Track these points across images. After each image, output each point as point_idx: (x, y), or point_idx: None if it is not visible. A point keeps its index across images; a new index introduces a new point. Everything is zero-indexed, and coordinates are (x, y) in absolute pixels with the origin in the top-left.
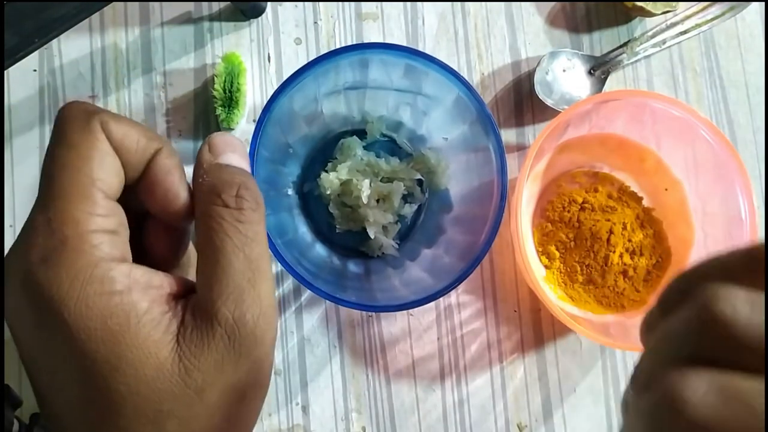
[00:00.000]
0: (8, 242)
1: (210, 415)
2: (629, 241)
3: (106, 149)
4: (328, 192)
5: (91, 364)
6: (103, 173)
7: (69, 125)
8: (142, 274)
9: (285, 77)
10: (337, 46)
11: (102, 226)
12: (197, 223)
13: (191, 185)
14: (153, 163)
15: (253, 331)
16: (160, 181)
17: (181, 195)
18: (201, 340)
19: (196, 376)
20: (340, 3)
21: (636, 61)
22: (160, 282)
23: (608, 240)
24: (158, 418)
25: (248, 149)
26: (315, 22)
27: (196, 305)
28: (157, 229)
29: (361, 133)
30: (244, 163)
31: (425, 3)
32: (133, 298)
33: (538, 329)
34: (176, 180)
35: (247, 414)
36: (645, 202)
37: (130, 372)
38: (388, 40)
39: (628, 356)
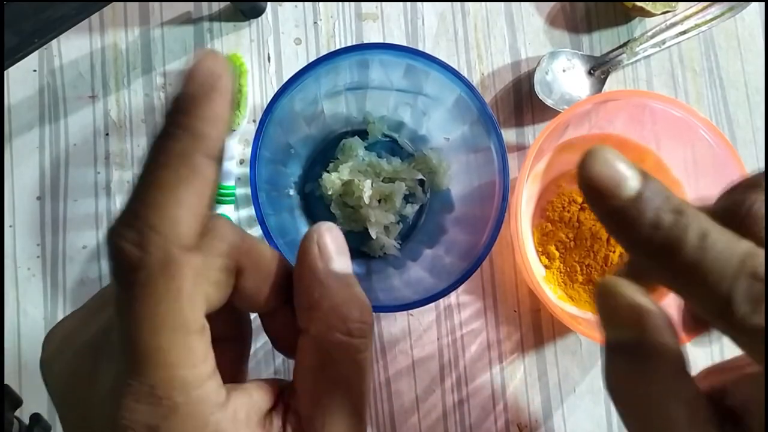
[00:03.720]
0: (8, 242)
1: None
2: None
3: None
4: (330, 192)
5: None
6: (197, 310)
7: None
8: (241, 406)
9: (285, 77)
10: (337, 46)
11: (206, 372)
12: (309, 341)
13: (296, 291)
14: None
15: None
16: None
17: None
18: None
19: None
20: (340, 3)
21: (636, 61)
22: (256, 410)
23: (608, 240)
24: None
25: (250, 150)
26: (315, 23)
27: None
28: None
29: (362, 134)
30: (349, 264)
31: (425, 3)
32: None
33: (538, 329)
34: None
35: None
36: None
37: None
38: (388, 40)
39: None
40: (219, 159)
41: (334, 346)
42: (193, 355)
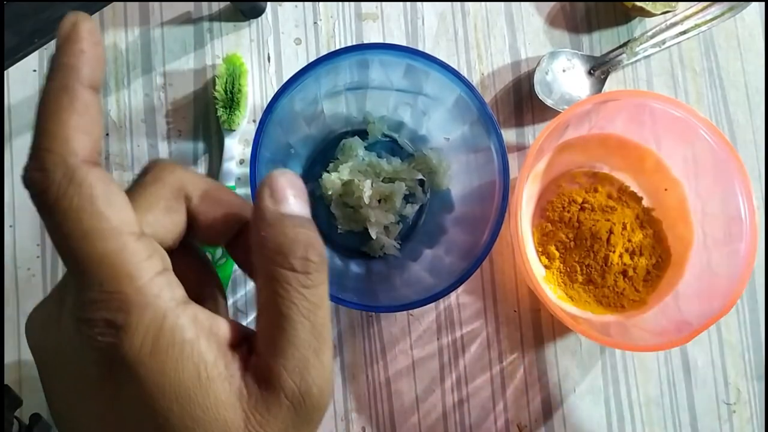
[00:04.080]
0: (8, 242)
1: None
2: (629, 241)
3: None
4: (330, 192)
5: (163, 422)
6: (124, 216)
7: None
8: (205, 317)
9: (285, 77)
10: (337, 47)
11: (152, 269)
12: (258, 280)
13: (251, 231)
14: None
15: (318, 401)
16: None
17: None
18: (267, 410)
19: None
20: (340, 3)
21: (636, 61)
22: (218, 328)
23: (608, 240)
24: None
25: (250, 150)
26: (315, 23)
27: (259, 371)
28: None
29: (362, 134)
30: (305, 208)
31: (425, 3)
32: (201, 348)
33: (538, 329)
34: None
35: None
36: (645, 202)
37: None
38: (388, 40)
39: (628, 356)
40: (96, 88)
41: (276, 281)
42: (130, 253)
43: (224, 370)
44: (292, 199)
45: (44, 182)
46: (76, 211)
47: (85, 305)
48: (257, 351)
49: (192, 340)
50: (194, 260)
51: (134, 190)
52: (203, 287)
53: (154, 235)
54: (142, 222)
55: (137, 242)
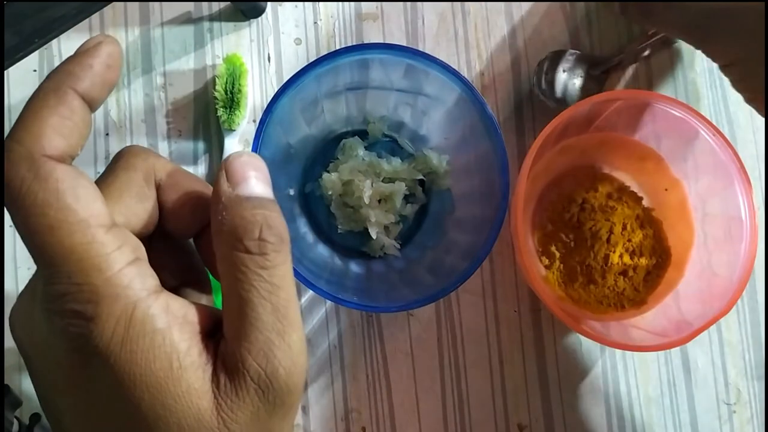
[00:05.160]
0: (8, 242)
1: None
2: (629, 241)
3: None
4: (330, 192)
5: (135, 411)
6: (93, 209)
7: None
8: (179, 306)
9: (285, 77)
10: (337, 46)
11: (122, 260)
12: (219, 266)
13: (211, 217)
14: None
15: (286, 383)
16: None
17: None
18: (236, 394)
19: (233, 428)
20: (340, 3)
21: (636, 61)
22: (193, 316)
23: (608, 240)
24: None
25: (250, 150)
26: (315, 22)
27: (227, 357)
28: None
29: (362, 134)
30: (265, 188)
31: (425, 3)
32: (174, 337)
33: (538, 329)
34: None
35: None
36: (645, 202)
37: (174, 421)
38: (388, 40)
39: (627, 356)
40: (91, 102)
41: (234, 265)
42: (99, 245)
43: (197, 358)
44: (253, 180)
45: (7, 174)
46: (41, 206)
47: (54, 297)
48: (225, 337)
49: (164, 329)
50: (176, 247)
51: (106, 178)
52: (186, 273)
53: (127, 224)
54: (114, 211)
55: (106, 234)
